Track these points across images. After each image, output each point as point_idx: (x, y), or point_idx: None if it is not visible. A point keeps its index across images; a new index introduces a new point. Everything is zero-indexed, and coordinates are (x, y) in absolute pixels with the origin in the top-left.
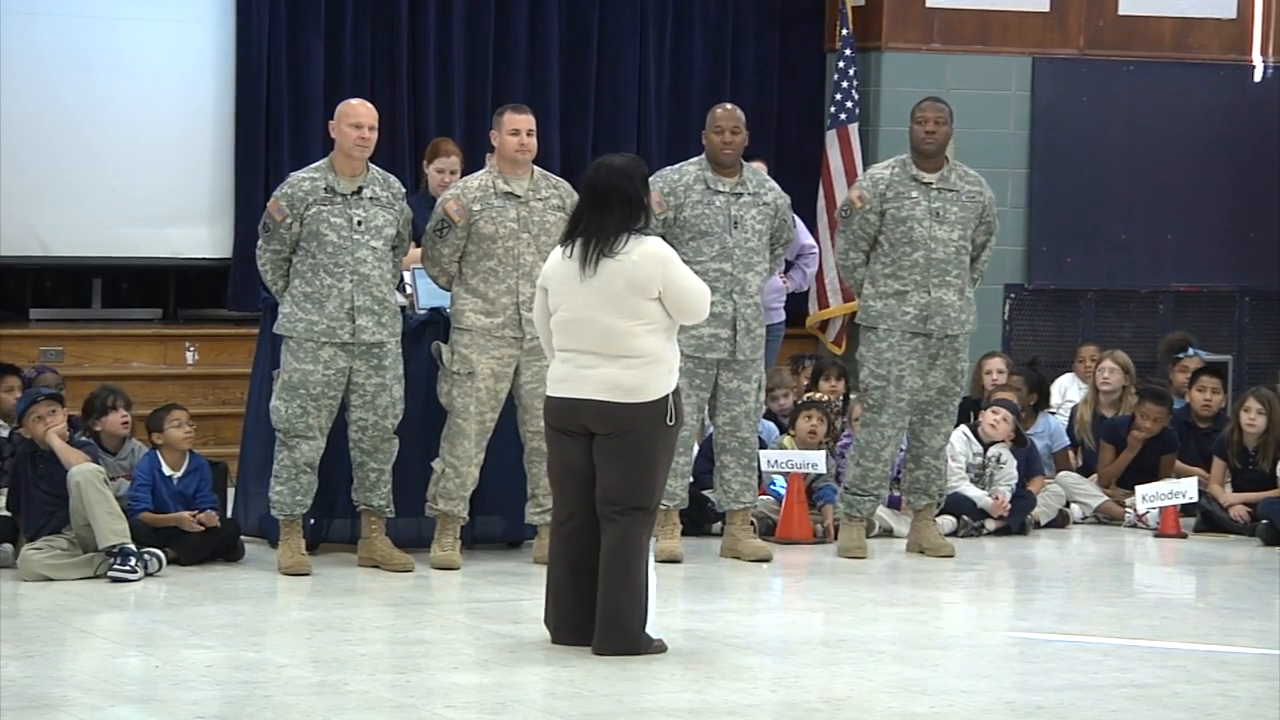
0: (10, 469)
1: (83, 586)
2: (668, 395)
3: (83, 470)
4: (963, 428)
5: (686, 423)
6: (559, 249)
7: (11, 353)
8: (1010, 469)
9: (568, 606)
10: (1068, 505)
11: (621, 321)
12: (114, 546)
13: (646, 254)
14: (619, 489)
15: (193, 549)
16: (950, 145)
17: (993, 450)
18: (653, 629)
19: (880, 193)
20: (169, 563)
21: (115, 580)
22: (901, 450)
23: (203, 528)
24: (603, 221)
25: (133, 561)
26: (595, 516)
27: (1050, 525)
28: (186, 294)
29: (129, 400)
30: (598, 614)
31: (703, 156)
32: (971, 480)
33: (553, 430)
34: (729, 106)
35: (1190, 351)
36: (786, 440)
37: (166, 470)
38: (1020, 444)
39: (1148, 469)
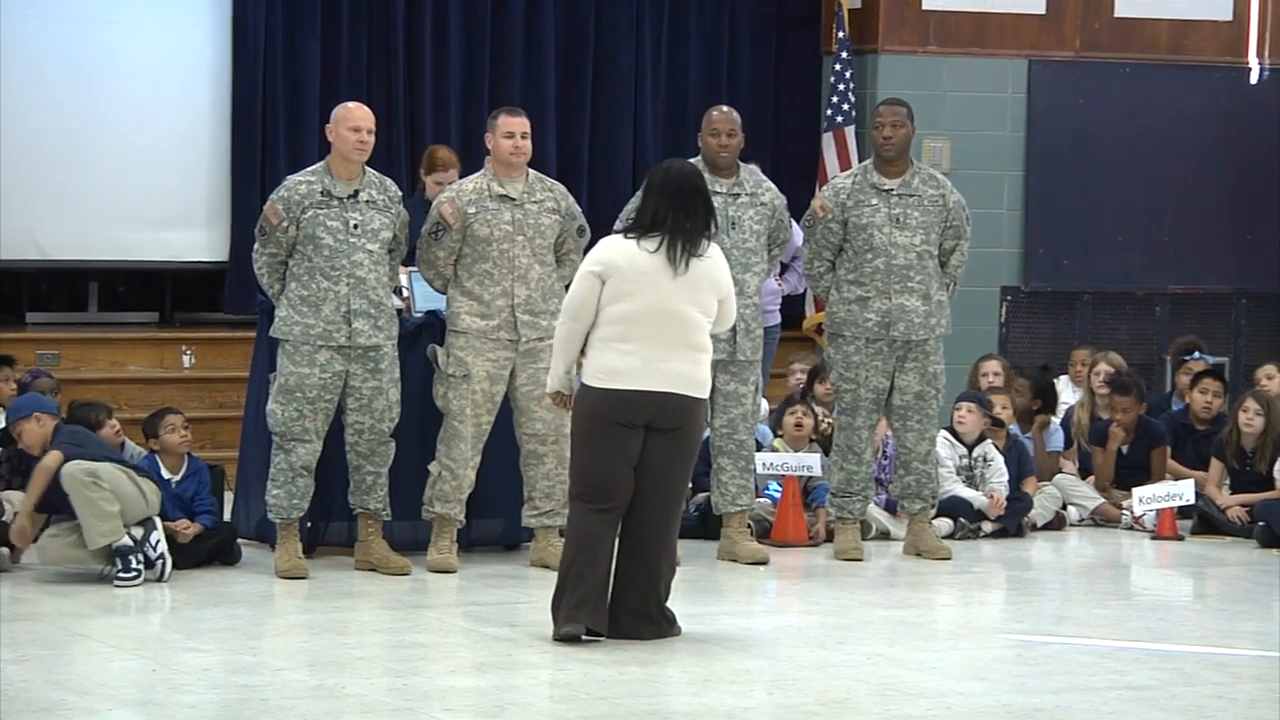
0: (10, 480)
1: (80, 590)
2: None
3: (67, 470)
4: (942, 432)
5: None
6: (623, 240)
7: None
8: (999, 465)
9: (599, 598)
10: (1064, 507)
11: (699, 315)
12: (110, 546)
13: (721, 259)
14: (671, 483)
15: (189, 552)
16: (937, 148)
17: (978, 450)
18: None
19: (841, 202)
20: None
21: (119, 586)
22: (889, 457)
23: (189, 538)
24: (691, 222)
25: (133, 563)
26: (624, 507)
27: (1046, 527)
28: (183, 297)
29: (109, 408)
30: (651, 601)
31: (699, 158)
32: (963, 482)
33: (609, 423)
34: (725, 109)
35: (1197, 355)
36: (778, 443)
37: (165, 474)
38: (999, 425)
39: (1140, 466)
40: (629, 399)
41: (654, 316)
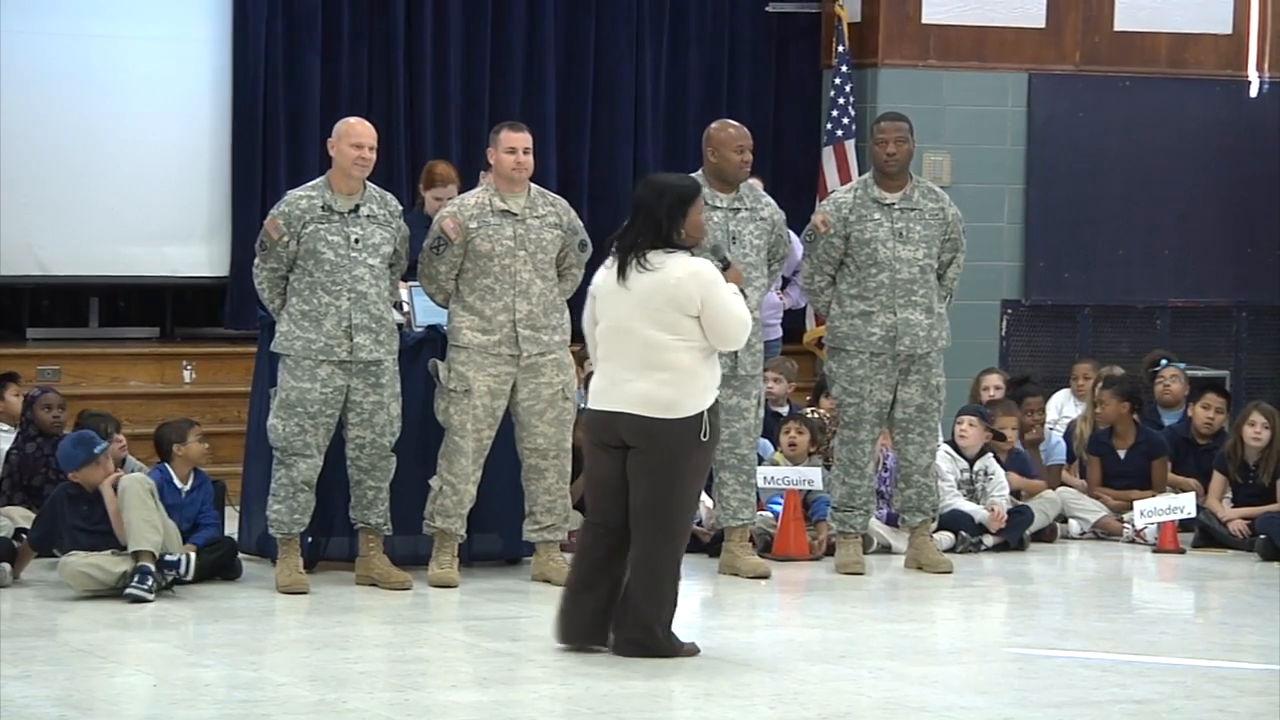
0: (46, 509)
1: (82, 606)
2: (703, 412)
3: (132, 477)
4: (944, 446)
5: None
6: (608, 260)
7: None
8: (999, 478)
9: (568, 607)
10: (1064, 520)
11: (661, 334)
12: (141, 554)
13: (690, 273)
14: (646, 504)
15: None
16: (938, 162)
17: (979, 463)
18: None
19: (843, 216)
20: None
21: (132, 599)
22: (890, 469)
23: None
24: (630, 233)
25: (150, 582)
26: (622, 528)
27: (1037, 536)
28: (184, 312)
29: (117, 421)
30: (634, 623)
31: (701, 172)
32: (965, 496)
33: (591, 443)
34: (738, 125)
35: (1165, 363)
36: (778, 456)
37: (177, 483)
38: (1000, 439)
39: (1139, 474)
40: (599, 419)
41: (614, 336)
